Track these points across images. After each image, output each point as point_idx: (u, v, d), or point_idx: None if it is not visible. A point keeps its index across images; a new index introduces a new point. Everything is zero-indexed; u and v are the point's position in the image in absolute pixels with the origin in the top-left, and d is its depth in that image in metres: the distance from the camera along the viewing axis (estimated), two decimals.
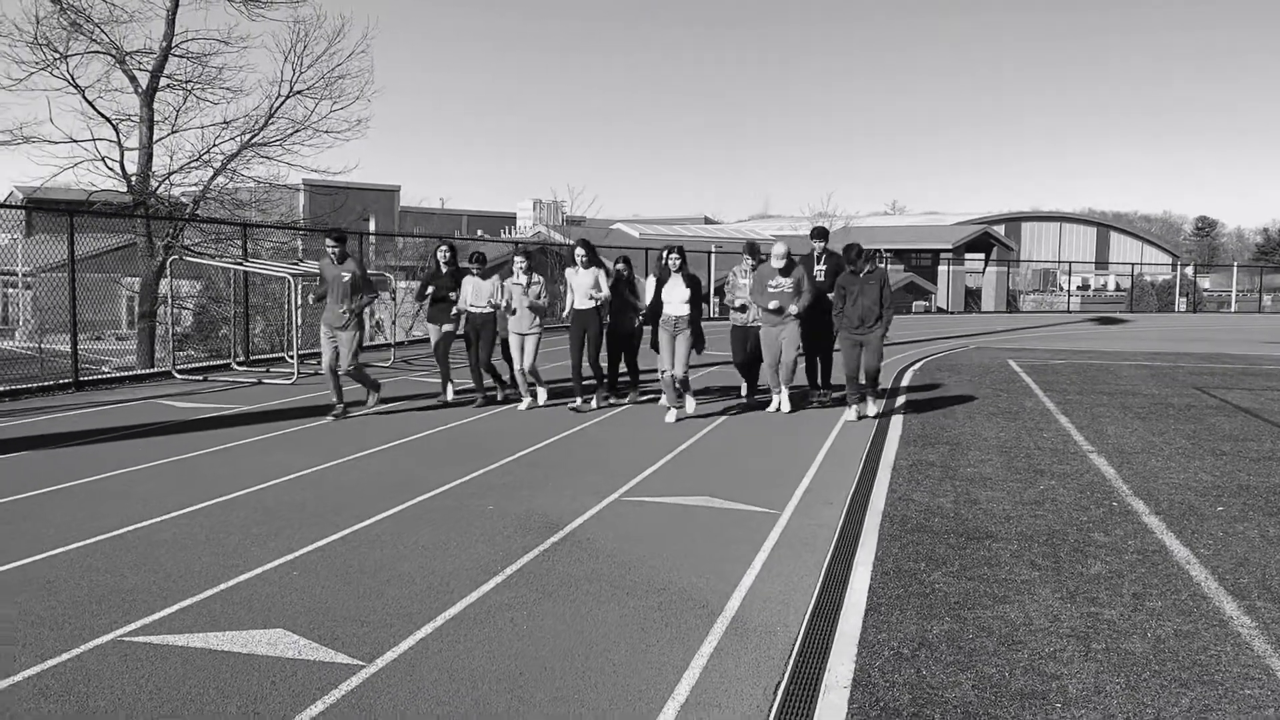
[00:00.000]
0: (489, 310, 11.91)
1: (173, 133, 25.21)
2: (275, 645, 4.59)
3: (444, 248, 12.62)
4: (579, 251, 11.77)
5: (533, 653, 4.60)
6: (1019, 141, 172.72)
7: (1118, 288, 65.50)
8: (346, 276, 10.97)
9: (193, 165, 25.49)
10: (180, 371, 15.46)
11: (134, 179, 24.60)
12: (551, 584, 5.56)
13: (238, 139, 25.64)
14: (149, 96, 24.57)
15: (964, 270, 54.71)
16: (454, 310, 12.21)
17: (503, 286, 11.89)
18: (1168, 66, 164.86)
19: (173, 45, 24.58)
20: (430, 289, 12.44)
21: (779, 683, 4.34)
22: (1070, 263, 59.70)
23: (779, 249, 11.52)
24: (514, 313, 11.76)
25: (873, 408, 11.56)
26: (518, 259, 11.89)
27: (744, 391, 12.55)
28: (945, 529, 6.76)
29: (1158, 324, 36.31)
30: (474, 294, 11.96)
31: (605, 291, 11.73)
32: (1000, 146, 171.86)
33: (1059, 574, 5.84)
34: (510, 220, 63.51)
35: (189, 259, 21.54)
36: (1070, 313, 46.44)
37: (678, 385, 11.28)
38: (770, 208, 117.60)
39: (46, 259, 21.99)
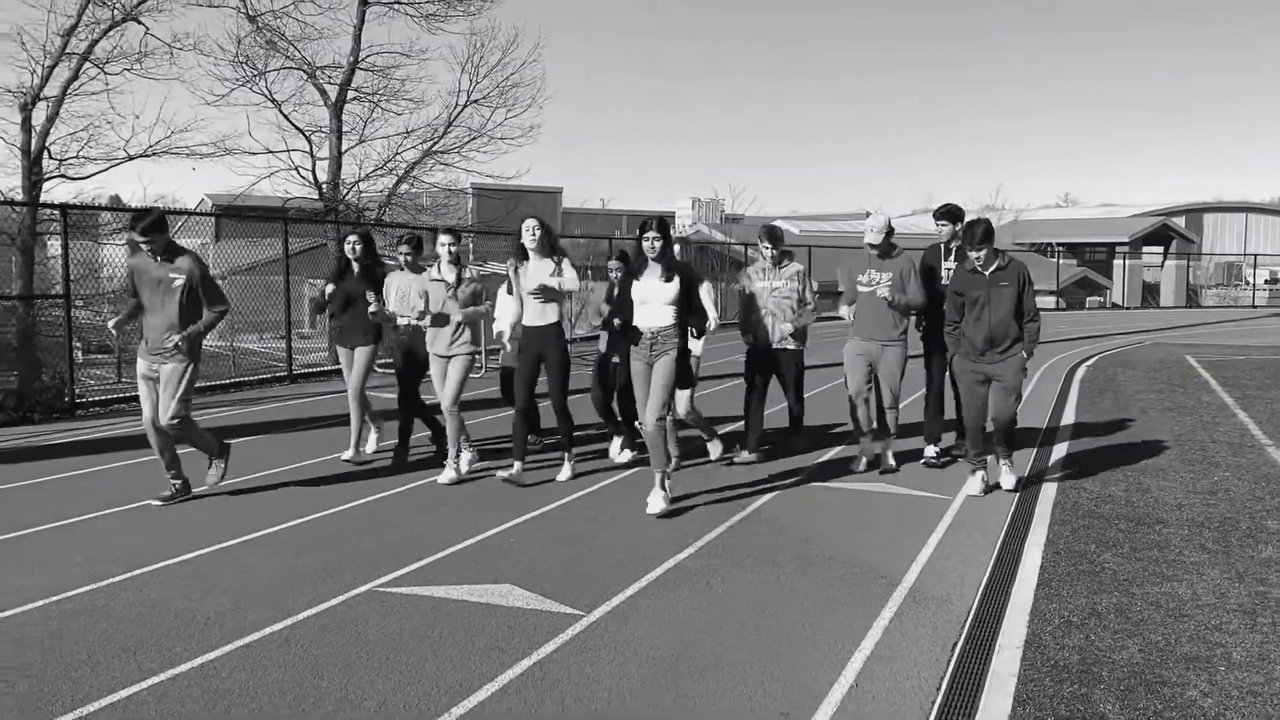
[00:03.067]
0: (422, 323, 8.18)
1: (360, 142, 26.83)
2: (507, 597, 5.29)
3: (352, 238, 8.89)
4: (528, 229, 7.90)
5: (729, 610, 5.16)
6: (1201, 129, 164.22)
7: None
8: (179, 280, 7.06)
9: (378, 173, 27.14)
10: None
11: (325, 186, 26.35)
12: (740, 555, 6.10)
13: (419, 147, 27.16)
14: (338, 109, 26.23)
15: (1141, 264, 52.77)
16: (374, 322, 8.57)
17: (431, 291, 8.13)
18: None
19: (359, 60, 26.17)
20: (330, 297, 8.89)
21: (955, 642, 4.77)
22: (1256, 255, 56.79)
23: (877, 220, 8.39)
24: (428, 319, 8.04)
25: (1008, 477, 7.80)
26: (443, 237, 8.16)
27: (717, 449, 8.96)
28: (1116, 515, 7.00)
29: None
30: (399, 297, 8.35)
31: (571, 284, 7.91)
32: (1180, 135, 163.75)
33: (1229, 557, 6.05)
34: (670, 219, 64.36)
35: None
36: (1256, 308, 44.30)
37: (668, 446, 7.36)
38: (933, 200, 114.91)
39: (236, 262, 23.78)
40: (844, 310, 8.47)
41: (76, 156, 23.37)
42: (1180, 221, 58.79)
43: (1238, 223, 72.34)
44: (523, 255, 7.89)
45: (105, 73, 23.42)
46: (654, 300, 7.07)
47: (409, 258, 8.41)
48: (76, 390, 12.06)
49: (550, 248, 7.92)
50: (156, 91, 49.73)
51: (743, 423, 9.04)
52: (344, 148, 26.44)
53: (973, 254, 7.48)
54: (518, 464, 7.92)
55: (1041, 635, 4.82)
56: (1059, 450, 9.40)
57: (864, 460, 8.54)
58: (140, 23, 23.58)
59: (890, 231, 8.37)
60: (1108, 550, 6.17)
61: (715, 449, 8.96)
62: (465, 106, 27.11)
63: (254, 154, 26.91)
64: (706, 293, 8.02)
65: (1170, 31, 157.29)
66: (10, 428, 10.65)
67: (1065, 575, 5.71)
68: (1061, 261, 48.33)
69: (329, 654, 4.57)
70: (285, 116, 25.83)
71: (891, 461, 8.49)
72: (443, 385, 8.06)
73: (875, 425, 8.62)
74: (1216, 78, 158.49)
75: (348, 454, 8.87)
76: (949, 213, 8.70)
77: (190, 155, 24.07)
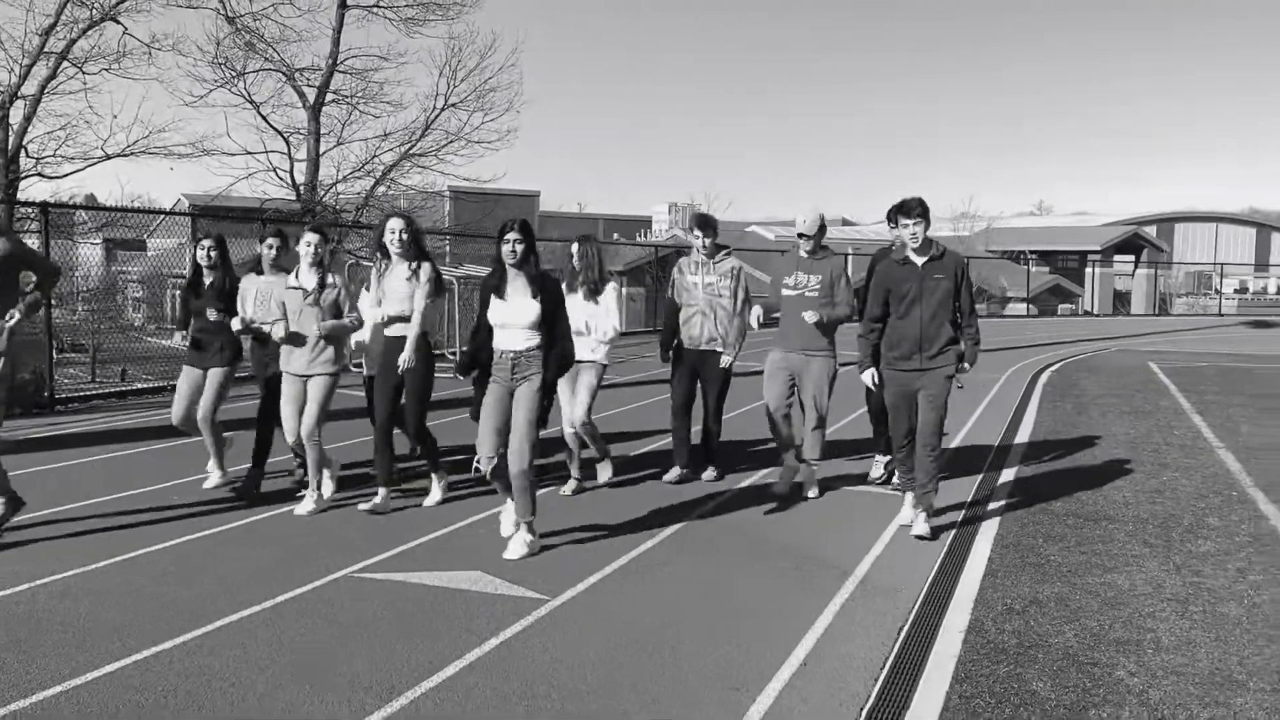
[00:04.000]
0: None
1: (338, 145, 27.01)
2: (476, 583, 5.52)
3: (205, 239, 7.62)
4: (392, 229, 6.90)
5: (686, 596, 5.41)
6: (1174, 139, 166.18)
7: (1279, 290, 62.82)
8: None
9: (356, 175, 27.31)
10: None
11: (302, 188, 26.49)
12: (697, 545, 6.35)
13: (397, 150, 27.36)
14: (316, 111, 26.41)
15: (1113, 272, 53.45)
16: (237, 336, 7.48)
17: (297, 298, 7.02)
18: None
19: (338, 62, 26.37)
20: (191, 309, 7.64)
21: (901, 627, 5.03)
22: (1225, 264, 57.62)
23: (805, 216, 7.47)
24: (280, 330, 6.95)
25: (919, 521, 6.58)
26: (308, 237, 7.01)
27: (677, 471, 8.07)
28: (1065, 511, 7.29)
29: None
30: (259, 302, 7.32)
31: (420, 300, 6.92)
32: (1155, 144, 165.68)
33: (1169, 551, 6.34)
34: (646, 224, 64.63)
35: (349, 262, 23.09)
36: (1223, 316, 44.95)
37: (517, 497, 6.05)
38: None
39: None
40: (753, 315, 7.78)
41: (54, 155, 23.48)
42: (1152, 230, 59.62)
43: (1208, 232, 73.28)
44: (385, 256, 6.98)
45: (83, 72, 23.54)
46: (514, 324, 5.93)
47: (275, 255, 7.36)
48: (55, 387, 12.18)
49: (418, 249, 7.00)
50: (135, 91, 49.85)
51: (671, 438, 8.18)
52: (322, 150, 26.62)
53: (906, 230, 6.41)
54: (382, 491, 7.01)
55: (984, 621, 5.08)
56: (1016, 450, 9.69)
57: (786, 483, 7.64)
58: (119, 22, 23.72)
59: (823, 229, 7.53)
60: (1054, 544, 6.45)
61: (605, 471, 7.99)
62: (443, 110, 27.34)
63: (232, 155, 27.02)
64: (611, 293, 7.67)
65: (1148, 41, 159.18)
66: None
67: (1011, 566, 5.98)
68: (1034, 269, 48.96)
69: (305, 635, 4.79)
70: (264, 118, 26.00)
71: (813, 492, 7.62)
72: (297, 409, 7.00)
73: (800, 443, 7.66)
74: (1191, 88, 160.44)
75: (212, 480, 7.71)
76: (909, 208, 6.81)
77: (168, 155, 24.25)
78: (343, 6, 26.01)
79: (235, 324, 7.21)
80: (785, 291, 7.56)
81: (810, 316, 7.33)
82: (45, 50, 22.93)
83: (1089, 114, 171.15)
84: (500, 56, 42.37)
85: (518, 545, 6.03)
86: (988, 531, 6.76)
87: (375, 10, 26.51)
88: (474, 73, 27.28)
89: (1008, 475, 8.55)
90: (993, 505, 7.48)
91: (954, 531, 6.77)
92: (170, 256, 24.52)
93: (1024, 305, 44.57)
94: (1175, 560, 6.13)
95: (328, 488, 7.14)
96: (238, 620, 4.94)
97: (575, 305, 7.35)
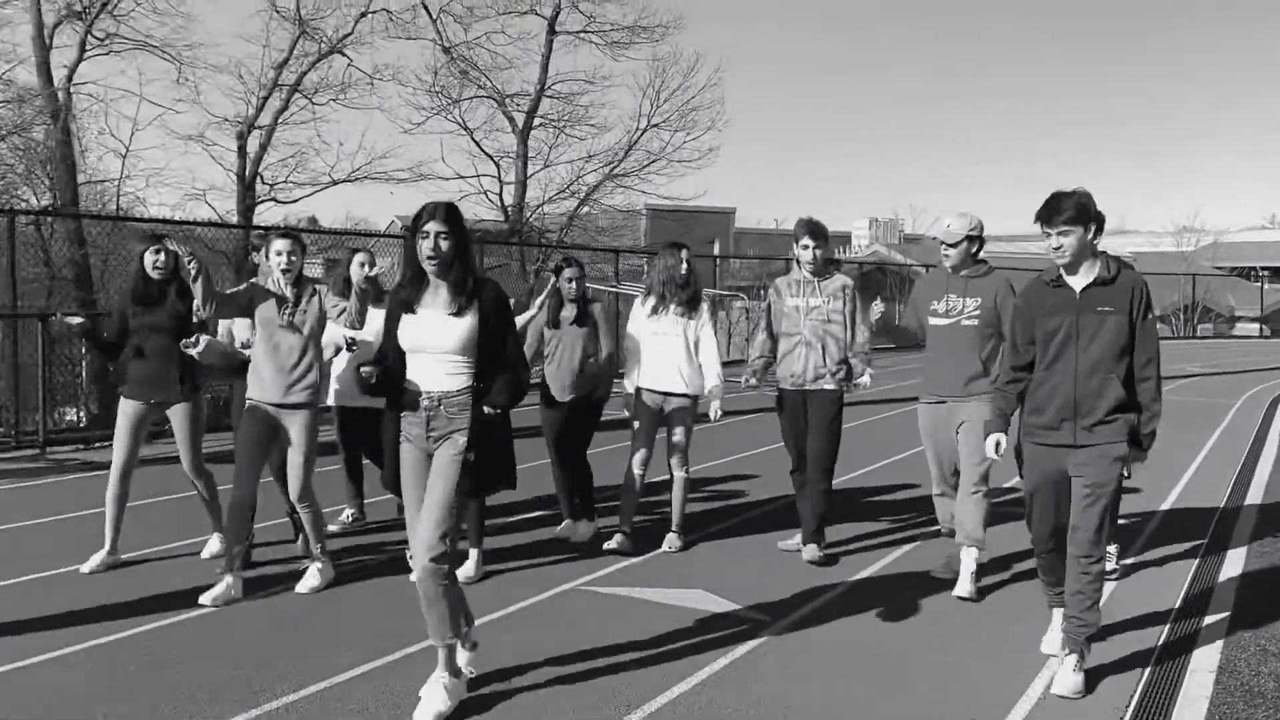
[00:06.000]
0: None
1: (545, 167, 27.96)
2: (701, 601, 5.63)
3: (153, 248, 6.11)
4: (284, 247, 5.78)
5: (913, 621, 5.36)
6: None
7: None
8: None
9: (561, 196, 28.18)
10: None
11: (510, 209, 27.53)
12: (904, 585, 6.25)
13: (600, 170, 28.08)
14: (525, 135, 27.41)
15: None
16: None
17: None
18: None
19: (546, 87, 27.32)
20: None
21: (1145, 664, 4.81)
22: None
23: (954, 223, 5.81)
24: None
25: (1066, 673, 4.49)
26: (279, 243, 5.81)
27: (815, 550, 6.38)
28: None
29: None
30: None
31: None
32: None
33: None
34: (845, 240, 63.90)
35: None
36: None
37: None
38: (1126, 222, 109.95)
39: None
40: (874, 311, 6.25)
41: (286, 181, 25.19)
42: None
43: None
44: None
45: (313, 103, 25.17)
46: (432, 346, 4.17)
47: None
48: None
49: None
50: (359, 120, 52.78)
51: (797, 505, 6.57)
52: (530, 172, 27.62)
53: (1053, 240, 4.48)
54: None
55: (1236, 661, 4.81)
56: (1246, 517, 7.83)
57: (947, 570, 5.96)
58: (344, 55, 25.25)
59: (978, 238, 5.86)
60: None
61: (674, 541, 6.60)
62: (646, 130, 27.89)
63: (446, 179, 28.40)
64: (708, 315, 6.59)
65: None
66: None
67: (1264, 603, 5.64)
68: (1267, 286, 45.82)
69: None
70: (476, 143, 27.16)
71: (968, 589, 5.68)
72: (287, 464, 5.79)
73: (972, 534, 5.79)
74: None
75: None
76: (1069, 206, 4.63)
77: (388, 180, 25.63)
78: (552, 33, 26.93)
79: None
80: (933, 320, 5.88)
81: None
82: (279, 83, 24.64)
83: None
84: (703, 76, 42.75)
85: (434, 696, 4.13)
86: (1232, 566, 6.38)
87: (583, 35, 27.33)
88: (677, 93, 27.74)
89: (1234, 562, 6.58)
90: (1210, 618, 5.52)
91: (1197, 561, 6.42)
92: (387, 278, 25.85)
93: (1255, 325, 41.74)
94: None
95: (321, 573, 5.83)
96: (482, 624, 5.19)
97: (665, 326, 6.51)
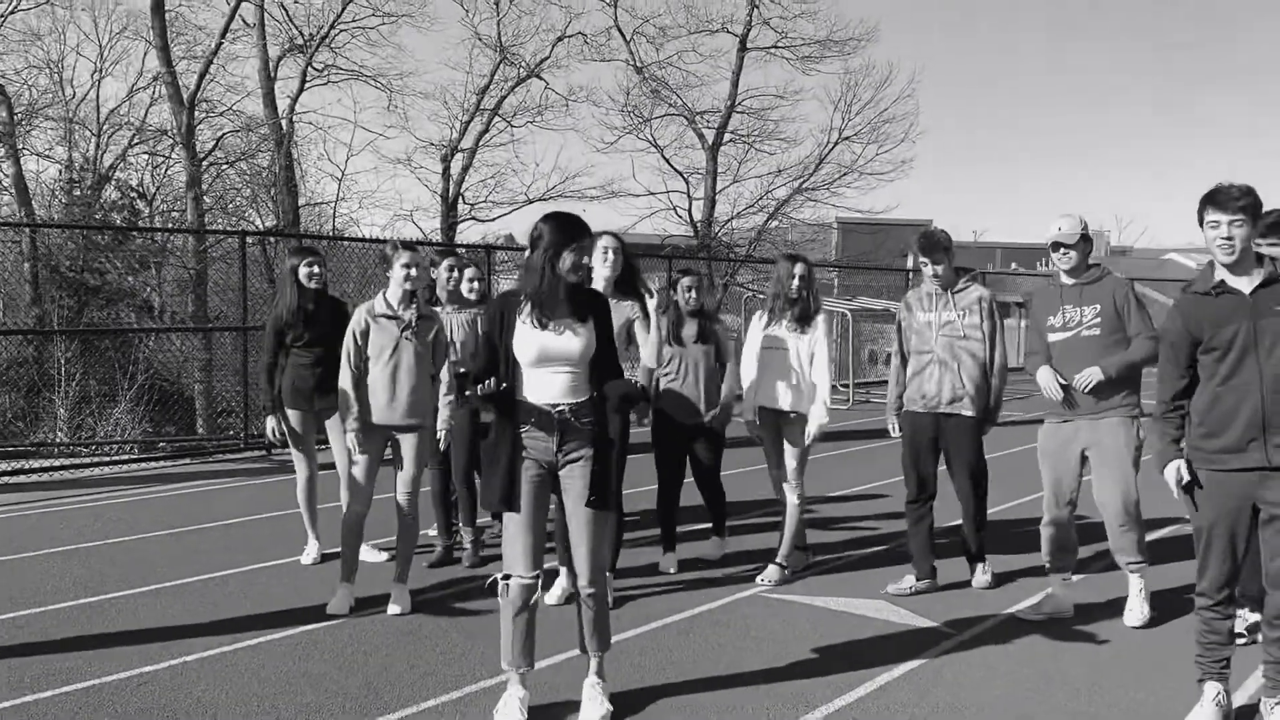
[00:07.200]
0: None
1: (734, 182, 28.26)
2: (880, 611, 5.68)
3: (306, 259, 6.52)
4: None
5: (1087, 642, 5.26)
6: None
7: None
8: None
9: (750, 211, 28.40)
10: None
11: (699, 225, 27.91)
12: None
13: (789, 184, 28.15)
14: (714, 151, 27.80)
15: None
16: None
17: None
18: None
19: (736, 103, 27.61)
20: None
21: None
22: None
23: (1064, 224, 5.41)
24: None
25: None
26: (404, 255, 5.70)
27: (911, 581, 6.02)
28: None
29: None
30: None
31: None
32: None
33: None
34: (1046, 252, 61.64)
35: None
36: None
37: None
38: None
39: None
40: (1043, 378, 5.42)
41: (485, 201, 26.38)
42: None
43: None
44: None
45: (511, 125, 26.32)
46: (560, 356, 4.15)
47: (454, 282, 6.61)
48: None
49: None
50: (554, 140, 54.51)
51: (908, 538, 6.15)
52: (719, 188, 27.97)
53: (1216, 232, 3.98)
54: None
55: None
56: None
57: (1036, 612, 5.60)
58: (541, 79, 26.30)
59: (1086, 239, 5.43)
60: None
61: (773, 575, 6.20)
62: (837, 144, 27.84)
63: (637, 195, 29.41)
64: (823, 326, 6.18)
65: None
66: None
67: None
68: None
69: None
70: (666, 160, 27.77)
71: (1142, 614, 5.42)
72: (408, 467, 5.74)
73: (1131, 553, 5.42)
74: None
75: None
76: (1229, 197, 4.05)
77: (582, 198, 26.54)
78: (742, 49, 27.24)
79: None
80: (1052, 336, 5.46)
81: (1088, 378, 5.19)
82: (480, 108, 25.83)
83: None
84: (896, 88, 42.22)
85: (593, 700, 4.27)
86: None
87: (774, 51, 27.52)
88: (869, 105, 27.57)
89: None
90: None
91: None
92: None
93: None
94: None
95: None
96: (649, 630, 5.42)
97: (778, 340, 6.19)
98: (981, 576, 6.09)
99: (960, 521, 6.15)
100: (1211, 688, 4.18)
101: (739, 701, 4.44)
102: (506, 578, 4.18)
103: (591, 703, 4.25)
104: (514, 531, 4.17)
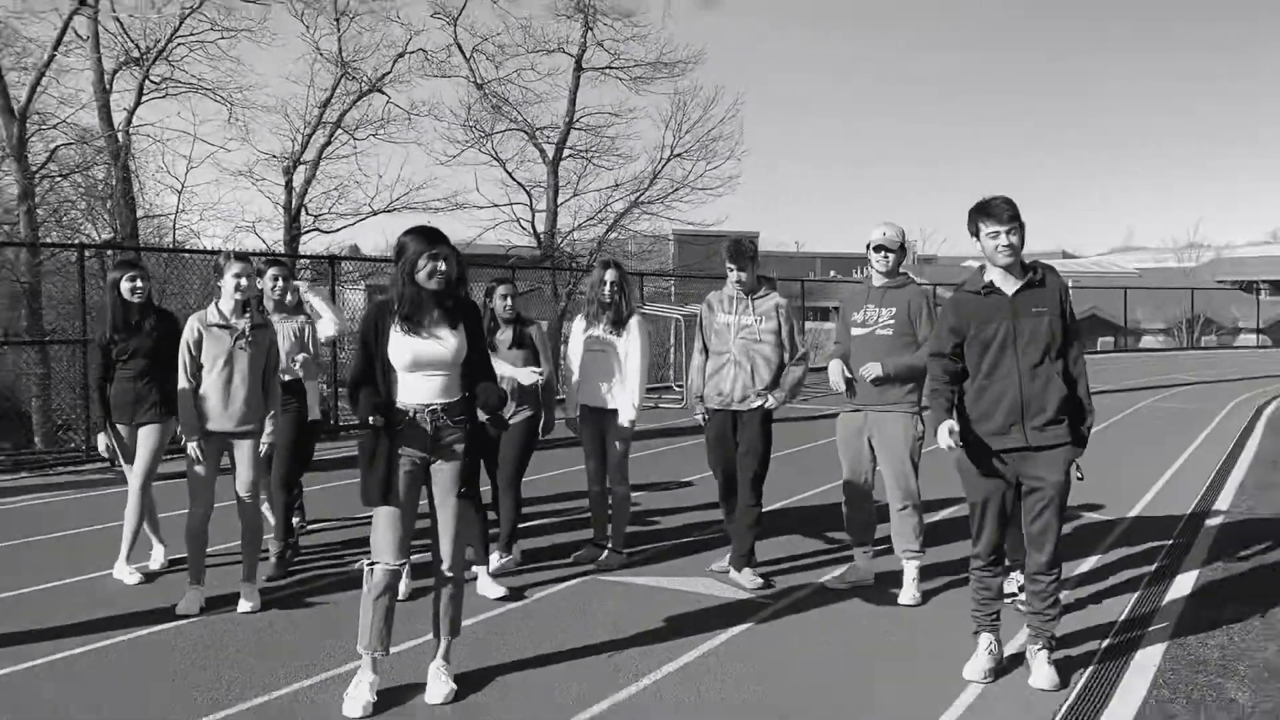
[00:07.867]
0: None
1: (574, 196, 28.83)
2: (708, 587, 6.23)
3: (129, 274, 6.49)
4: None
5: (893, 617, 5.89)
6: None
7: None
8: None
9: (590, 223, 28.96)
10: None
11: (542, 236, 28.32)
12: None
13: (627, 198, 28.84)
14: (555, 165, 28.26)
15: None
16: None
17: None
18: None
19: (574, 120, 28.16)
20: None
21: (1105, 636, 5.32)
22: None
23: (889, 231, 5.95)
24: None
25: (1040, 667, 4.70)
26: (236, 266, 5.83)
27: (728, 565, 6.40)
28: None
29: None
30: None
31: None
32: None
33: None
34: (863, 261, 64.16)
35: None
36: None
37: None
38: (1133, 239, 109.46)
39: None
40: (832, 370, 5.99)
41: (329, 212, 26.13)
42: None
43: None
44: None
45: (354, 138, 26.14)
46: (433, 361, 4.50)
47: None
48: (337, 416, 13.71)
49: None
50: (397, 154, 53.87)
51: (725, 521, 6.57)
52: (560, 200, 28.45)
53: (993, 241, 4.57)
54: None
55: (1187, 637, 5.30)
56: (1206, 533, 7.58)
57: (841, 581, 6.24)
58: (383, 93, 26.22)
59: (902, 248, 6.03)
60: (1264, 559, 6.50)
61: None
62: (669, 160, 28.66)
63: (481, 208, 29.58)
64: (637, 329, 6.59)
65: None
66: None
67: (1220, 588, 6.12)
68: (1267, 298, 46.47)
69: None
70: (509, 174, 28.09)
71: (912, 595, 5.89)
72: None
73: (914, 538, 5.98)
74: None
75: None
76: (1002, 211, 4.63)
77: (426, 210, 26.53)
78: (578, 69, 27.84)
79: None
80: (854, 331, 5.99)
81: (870, 371, 5.80)
82: (323, 121, 25.59)
83: None
84: (721, 109, 43.50)
85: (438, 680, 4.60)
86: (1197, 552, 6.85)
87: (607, 71, 28.18)
88: (697, 124, 28.49)
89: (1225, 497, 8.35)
90: (1209, 521, 7.35)
91: (1163, 551, 6.89)
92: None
93: (1255, 335, 42.88)
94: None
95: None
96: (493, 616, 5.79)
97: (597, 342, 6.56)
98: (750, 577, 6.23)
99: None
100: (985, 639, 4.81)
101: (573, 676, 4.83)
102: (373, 564, 4.48)
103: (437, 683, 4.56)
104: (386, 523, 4.45)
